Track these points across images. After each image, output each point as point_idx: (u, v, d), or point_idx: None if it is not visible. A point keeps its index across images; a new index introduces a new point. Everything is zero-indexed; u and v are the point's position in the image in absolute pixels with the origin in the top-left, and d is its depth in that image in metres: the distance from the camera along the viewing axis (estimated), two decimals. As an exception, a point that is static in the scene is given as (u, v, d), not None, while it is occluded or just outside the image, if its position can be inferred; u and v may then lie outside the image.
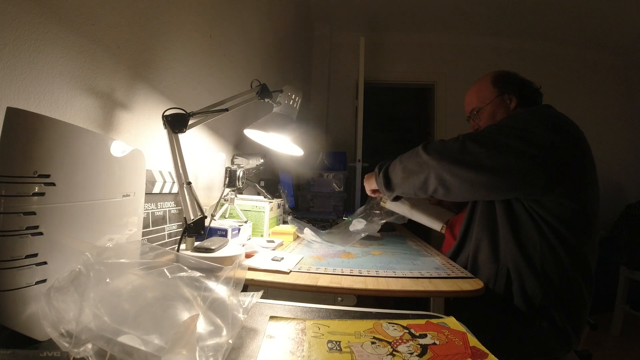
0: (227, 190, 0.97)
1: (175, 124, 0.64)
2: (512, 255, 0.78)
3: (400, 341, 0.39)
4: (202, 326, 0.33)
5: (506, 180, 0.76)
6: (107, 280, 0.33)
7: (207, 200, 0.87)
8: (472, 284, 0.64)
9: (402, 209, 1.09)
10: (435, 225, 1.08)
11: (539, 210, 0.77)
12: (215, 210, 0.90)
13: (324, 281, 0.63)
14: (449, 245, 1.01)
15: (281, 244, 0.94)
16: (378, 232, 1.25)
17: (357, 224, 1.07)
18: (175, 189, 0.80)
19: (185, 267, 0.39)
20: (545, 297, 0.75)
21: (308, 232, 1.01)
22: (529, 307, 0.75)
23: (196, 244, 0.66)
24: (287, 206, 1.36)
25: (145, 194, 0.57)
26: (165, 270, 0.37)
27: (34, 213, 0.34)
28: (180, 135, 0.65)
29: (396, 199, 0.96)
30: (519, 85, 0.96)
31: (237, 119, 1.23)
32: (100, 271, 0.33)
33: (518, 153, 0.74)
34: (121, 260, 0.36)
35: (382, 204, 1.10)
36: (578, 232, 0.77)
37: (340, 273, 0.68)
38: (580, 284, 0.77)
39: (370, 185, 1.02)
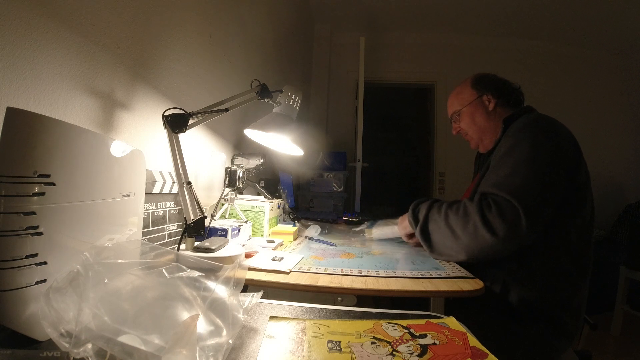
0: (227, 190, 0.97)
1: (175, 124, 0.64)
2: (508, 265, 0.78)
3: (400, 341, 0.39)
4: (202, 326, 0.33)
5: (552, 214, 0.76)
6: (105, 280, 0.33)
7: (207, 200, 0.87)
8: (472, 284, 0.64)
9: (386, 234, 1.09)
10: None
11: None
12: (215, 210, 0.90)
13: (324, 281, 0.63)
14: None
15: (281, 244, 0.94)
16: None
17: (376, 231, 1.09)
18: (175, 189, 0.80)
19: (185, 267, 0.39)
20: (543, 299, 0.75)
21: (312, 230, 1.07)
22: (527, 309, 0.75)
23: (196, 244, 0.66)
24: (287, 206, 1.36)
25: (145, 194, 0.57)
26: (163, 270, 0.37)
27: (34, 213, 0.34)
28: (180, 135, 0.65)
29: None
30: (497, 86, 0.98)
31: (237, 119, 1.23)
32: (99, 271, 0.33)
33: (558, 188, 0.75)
34: (119, 261, 0.36)
35: (367, 237, 1.12)
36: (575, 231, 0.77)
37: (340, 273, 0.68)
38: (577, 282, 0.77)
39: (405, 229, 0.96)
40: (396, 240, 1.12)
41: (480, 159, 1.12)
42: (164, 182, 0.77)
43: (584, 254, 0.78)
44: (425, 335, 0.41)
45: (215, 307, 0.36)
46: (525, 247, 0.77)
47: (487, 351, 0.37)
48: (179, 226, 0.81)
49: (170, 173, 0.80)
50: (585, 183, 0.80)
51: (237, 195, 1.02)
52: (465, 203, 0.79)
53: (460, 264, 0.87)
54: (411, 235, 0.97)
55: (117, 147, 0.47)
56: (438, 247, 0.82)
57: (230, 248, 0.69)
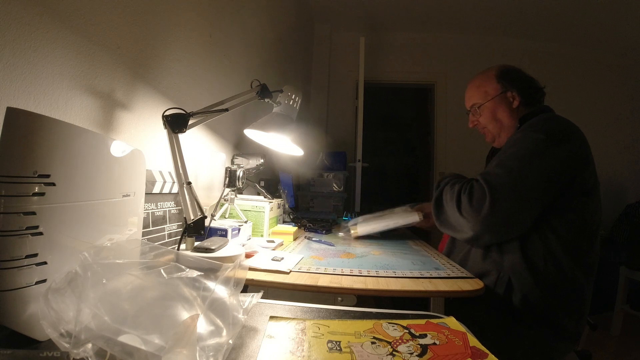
0: (227, 190, 0.97)
1: (175, 124, 0.64)
2: (517, 264, 0.78)
3: (400, 341, 0.39)
4: (202, 326, 0.33)
5: (533, 216, 0.77)
6: (104, 281, 0.33)
7: (207, 200, 0.87)
8: (472, 284, 0.64)
9: (373, 228, 1.12)
10: (410, 218, 1.10)
11: (545, 217, 0.77)
12: (215, 210, 0.90)
13: (324, 281, 0.63)
14: (445, 243, 1.01)
15: (281, 244, 0.94)
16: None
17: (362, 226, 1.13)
18: (175, 189, 0.80)
19: (184, 267, 0.39)
20: (546, 301, 0.75)
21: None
22: (529, 310, 0.75)
23: (196, 244, 0.66)
24: (287, 206, 1.36)
25: (145, 194, 0.57)
26: (162, 270, 0.37)
27: (34, 213, 0.34)
28: (180, 135, 0.65)
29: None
30: (523, 83, 0.93)
31: (237, 119, 1.23)
32: (98, 272, 0.33)
33: (544, 191, 0.76)
34: (118, 261, 0.36)
35: (352, 233, 1.14)
36: (582, 235, 0.77)
37: (340, 273, 0.68)
38: (582, 286, 0.76)
39: (423, 209, 1.10)
40: (396, 239, 1.12)
41: (491, 157, 1.11)
42: (164, 182, 0.77)
43: (586, 256, 0.77)
44: (425, 335, 0.41)
45: (215, 307, 0.36)
46: (525, 244, 0.78)
47: (487, 351, 0.37)
48: (179, 226, 0.81)
49: (170, 173, 0.80)
50: (592, 188, 0.79)
51: (237, 195, 1.02)
52: (457, 185, 0.86)
53: (465, 264, 0.88)
54: (425, 215, 1.09)
55: (117, 147, 0.47)
56: (441, 219, 0.89)
57: (230, 248, 0.69)
